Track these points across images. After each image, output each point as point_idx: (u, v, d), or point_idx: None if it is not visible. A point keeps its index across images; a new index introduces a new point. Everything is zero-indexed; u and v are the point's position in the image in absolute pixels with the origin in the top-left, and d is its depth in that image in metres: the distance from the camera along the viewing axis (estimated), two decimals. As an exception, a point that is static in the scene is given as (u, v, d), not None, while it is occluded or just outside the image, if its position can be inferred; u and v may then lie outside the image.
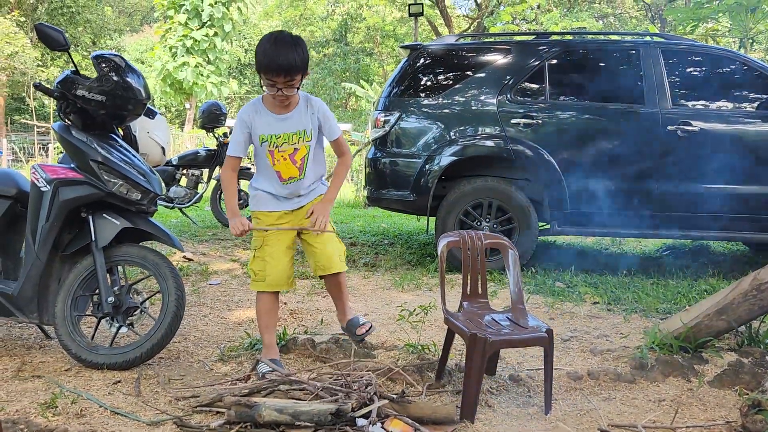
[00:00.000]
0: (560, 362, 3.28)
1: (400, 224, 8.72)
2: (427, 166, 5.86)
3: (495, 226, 5.72)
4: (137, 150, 3.52)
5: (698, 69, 6.26)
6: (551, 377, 2.65)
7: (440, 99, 6.02)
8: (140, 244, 3.26)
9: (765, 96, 5.96)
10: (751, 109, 6.02)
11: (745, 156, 5.53)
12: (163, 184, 3.42)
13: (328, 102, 30.78)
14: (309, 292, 4.72)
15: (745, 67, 5.91)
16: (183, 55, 24.11)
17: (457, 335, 2.80)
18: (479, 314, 2.81)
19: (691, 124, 5.58)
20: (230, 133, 7.94)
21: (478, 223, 5.72)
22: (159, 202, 7.11)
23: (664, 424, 2.46)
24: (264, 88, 2.72)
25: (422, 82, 6.26)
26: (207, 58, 24.73)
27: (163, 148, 4.59)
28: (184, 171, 7.71)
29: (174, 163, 7.67)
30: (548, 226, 5.88)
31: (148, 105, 3.35)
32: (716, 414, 2.65)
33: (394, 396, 2.46)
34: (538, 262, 5.89)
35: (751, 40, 12.94)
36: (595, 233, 6.08)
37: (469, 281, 2.88)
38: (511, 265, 2.85)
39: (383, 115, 5.99)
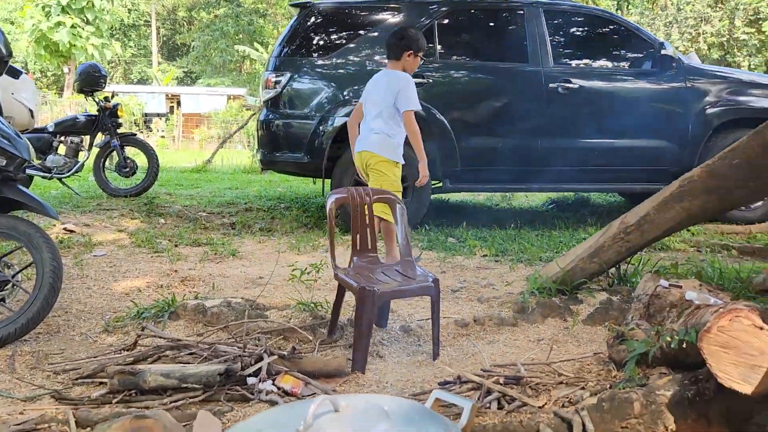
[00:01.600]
0: (449, 311, 3.41)
1: (297, 188, 8.64)
2: (320, 128, 5.80)
3: (390, 185, 5.79)
4: (0, 113, 3.23)
5: (578, 29, 6.57)
6: (438, 325, 2.75)
7: (333, 59, 5.95)
8: (10, 214, 3.03)
9: (638, 55, 6.36)
10: (626, 68, 6.41)
11: (620, 112, 5.90)
12: (32, 150, 3.15)
13: (221, 66, 29.65)
14: (201, 258, 4.59)
15: (621, 29, 6.26)
16: (58, 15, 22.28)
17: (348, 291, 2.83)
18: (369, 268, 2.85)
19: (571, 82, 5.86)
20: (112, 97, 7.51)
21: (374, 183, 5.76)
22: (35, 172, 6.61)
23: (541, 361, 2.63)
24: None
25: (314, 42, 6.15)
26: (85, 18, 22.99)
27: (30, 111, 4.26)
28: (62, 138, 7.15)
29: (50, 130, 7.11)
30: (441, 184, 6.03)
31: (10, 63, 3.06)
32: (588, 348, 2.86)
33: (285, 353, 2.47)
34: (432, 219, 6.04)
35: (627, 3, 13.68)
36: (486, 189, 6.32)
37: (358, 237, 2.90)
38: (399, 218, 2.91)
39: (274, 75, 5.85)
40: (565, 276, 3.37)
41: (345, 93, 5.89)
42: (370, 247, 2.93)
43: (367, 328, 2.54)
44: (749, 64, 18.35)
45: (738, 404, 2.07)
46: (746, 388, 1.78)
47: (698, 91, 6.00)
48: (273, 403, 2.11)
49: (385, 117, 3.97)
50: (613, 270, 3.56)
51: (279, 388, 2.28)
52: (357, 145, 4.11)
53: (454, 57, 6.14)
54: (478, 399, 2.16)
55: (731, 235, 5.64)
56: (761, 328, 1.77)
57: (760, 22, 18.13)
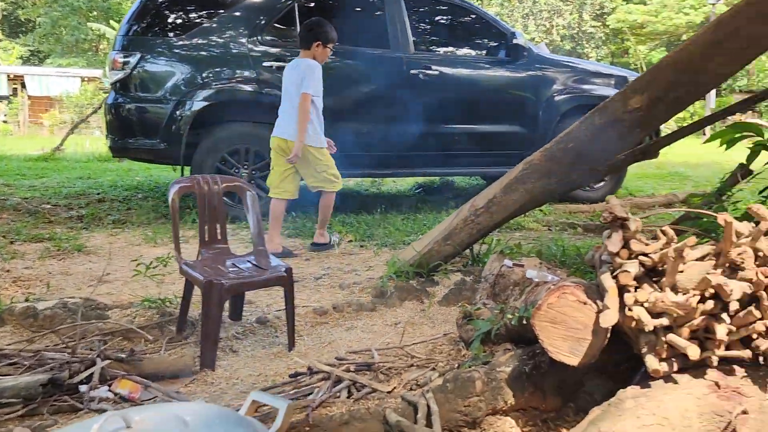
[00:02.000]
0: (310, 299, 3.37)
1: (158, 176, 8.18)
2: (177, 112, 5.49)
3: (254, 172, 5.62)
4: None
5: (437, 17, 6.73)
6: (293, 315, 2.69)
7: (188, 39, 5.63)
8: None
9: (493, 44, 6.64)
10: (482, 56, 6.67)
11: (477, 98, 6.14)
12: None
13: (74, 44, 27.32)
14: (41, 255, 4.18)
15: (478, 18, 6.48)
16: None
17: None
18: (219, 260, 2.72)
19: (431, 69, 5.99)
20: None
21: (237, 171, 5.57)
22: None
23: (395, 345, 2.65)
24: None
25: (167, 20, 5.78)
26: None
27: None
28: None
29: None
30: (308, 170, 5.95)
31: None
32: (442, 329, 2.93)
33: (123, 356, 2.29)
34: (300, 206, 5.95)
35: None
36: (354, 175, 6.32)
37: (206, 227, 2.76)
38: (250, 206, 2.80)
39: (122, 55, 5.44)
40: (421, 259, 3.44)
41: (204, 75, 5.61)
42: (219, 237, 2.80)
43: (215, 323, 2.42)
44: (596, 55, 19.89)
45: (570, 375, 2.20)
46: (573, 360, 1.89)
47: (547, 79, 6.38)
48: (102, 411, 1.94)
49: (297, 104, 4.28)
50: (469, 252, 3.69)
51: (116, 394, 2.11)
52: (274, 131, 4.48)
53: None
54: (328, 389, 2.12)
55: (577, 214, 6.08)
56: (585, 303, 1.88)
57: (605, 17, 19.68)
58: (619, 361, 2.19)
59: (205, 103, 5.51)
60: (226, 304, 2.74)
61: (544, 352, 2.09)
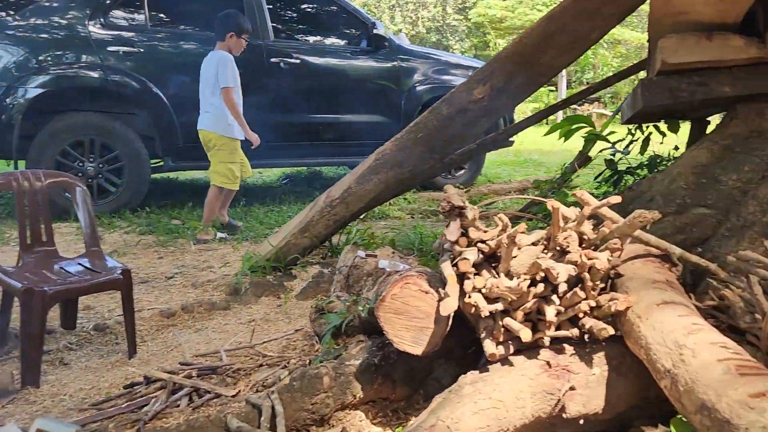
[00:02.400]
0: (158, 301, 3.16)
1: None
2: (8, 100, 4.94)
3: (101, 166, 5.21)
4: None
5: (298, 5, 6.58)
6: (133, 320, 2.49)
7: (22, 17, 5.08)
8: None
9: (355, 34, 6.62)
10: (344, 45, 6.63)
11: (340, 88, 6.09)
12: None
13: None
14: None
15: (339, 7, 6.42)
16: None
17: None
18: (45, 264, 2.46)
19: (293, 57, 5.86)
20: None
21: (81, 164, 5.12)
22: None
23: (245, 344, 2.54)
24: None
25: (-5, -5, 5.19)
26: None
27: None
28: None
29: None
30: (162, 163, 5.61)
31: None
32: (299, 324, 2.86)
33: None
34: (155, 200, 5.60)
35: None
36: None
37: (28, 229, 2.48)
38: (80, 203, 2.55)
39: (-65, 34, 4.79)
40: (278, 253, 3.34)
41: (40, 59, 5.09)
42: (44, 239, 2.53)
43: (37, 335, 2.17)
44: (460, 48, 20.63)
45: (419, 364, 2.22)
46: (417, 350, 1.90)
47: (409, 70, 6.47)
48: None
49: (213, 96, 4.38)
50: (327, 243, 3.64)
51: None
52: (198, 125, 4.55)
53: (168, 26, 5.70)
54: (166, 398, 1.98)
55: (439, 201, 6.24)
56: (427, 292, 1.89)
57: (467, 11, 20.46)
58: (467, 346, 2.24)
59: (42, 90, 5.01)
60: (55, 312, 2.48)
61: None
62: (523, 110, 14.20)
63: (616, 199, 1.85)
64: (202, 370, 2.20)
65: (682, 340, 1.52)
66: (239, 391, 2.09)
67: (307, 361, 2.32)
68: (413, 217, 5.48)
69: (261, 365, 2.33)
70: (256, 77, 5.68)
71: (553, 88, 19.38)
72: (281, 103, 5.81)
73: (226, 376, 2.21)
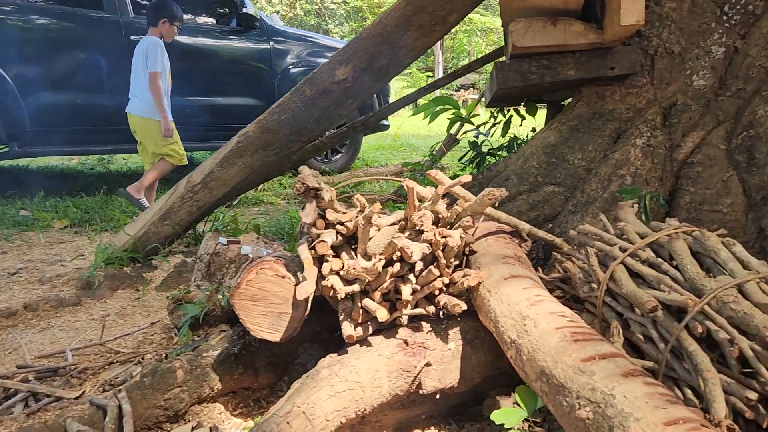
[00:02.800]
0: (-1, 300, 2.87)
1: None
2: None
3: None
4: None
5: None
6: (-40, 322, 2.23)
7: None
8: None
9: (224, 13, 6.34)
10: (212, 25, 6.34)
11: (208, 69, 5.83)
12: None
13: None
14: None
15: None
16: None
17: None
18: None
19: (155, 35, 5.51)
20: None
21: None
22: None
23: (95, 341, 2.37)
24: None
25: None
26: None
27: None
28: None
29: None
30: (7, 149, 5.10)
31: None
32: (158, 316, 2.70)
33: None
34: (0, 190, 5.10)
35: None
36: (64, 153, 5.57)
37: None
38: None
39: None
40: (137, 243, 3.14)
41: None
42: None
43: None
44: (339, 32, 20.55)
45: (283, 350, 2.18)
46: (275, 336, 1.85)
47: (282, 52, 6.32)
48: None
49: (141, 80, 4.39)
50: (192, 231, 3.47)
51: None
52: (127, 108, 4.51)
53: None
54: (-4, 406, 1.79)
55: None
56: (284, 277, 1.84)
57: (345, -6, 20.39)
58: (334, 329, 2.22)
59: None
60: None
61: (252, 330, 2.02)
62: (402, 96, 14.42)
63: (467, 178, 1.89)
64: (42, 372, 2.02)
65: (525, 311, 1.58)
66: (84, 392, 1.93)
67: (164, 355, 2.20)
68: (288, 203, 5.39)
69: (111, 363, 2.17)
70: (114, 55, 5.30)
71: (430, 74, 19.87)
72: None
73: (71, 377, 2.04)
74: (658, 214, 2.40)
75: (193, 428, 1.83)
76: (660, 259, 1.74)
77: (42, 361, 2.20)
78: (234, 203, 5.10)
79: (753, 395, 1.41)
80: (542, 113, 3.88)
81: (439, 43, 21.02)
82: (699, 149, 2.52)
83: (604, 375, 1.29)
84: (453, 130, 3.95)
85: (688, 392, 1.51)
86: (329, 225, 1.92)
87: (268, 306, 1.84)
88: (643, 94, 2.66)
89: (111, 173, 6.79)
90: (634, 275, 1.77)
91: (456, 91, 18.26)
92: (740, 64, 2.53)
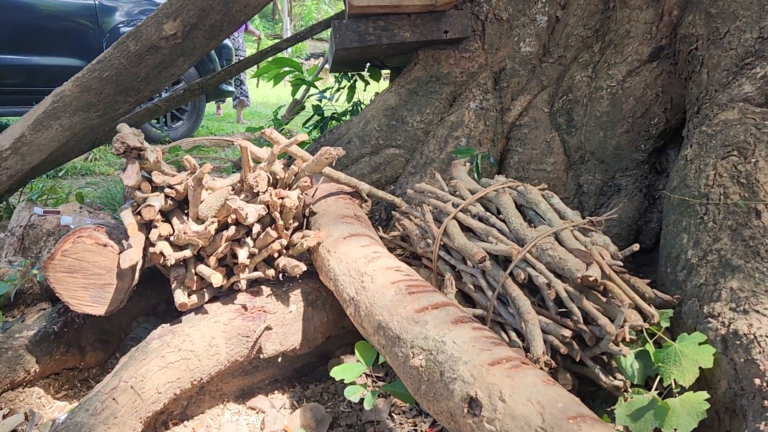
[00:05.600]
0: None
1: None
2: None
3: None
4: None
5: None
6: None
7: None
8: None
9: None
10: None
11: (26, 24, 5.19)
12: None
13: None
14: None
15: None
16: None
17: None
18: None
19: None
20: None
21: None
22: None
23: None
24: None
25: None
26: None
27: None
28: None
29: None
30: None
31: None
32: (-37, 300, 2.38)
33: None
34: None
35: None
36: None
37: None
38: None
39: None
40: (-67, 218, 2.73)
41: None
42: None
43: None
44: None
45: (112, 325, 2.02)
46: (99, 310, 1.70)
47: (110, 9, 5.80)
48: None
49: None
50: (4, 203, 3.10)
51: None
52: None
53: None
54: None
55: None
56: (105, 246, 1.69)
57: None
58: (172, 301, 2.09)
59: None
60: None
61: (75, 306, 1.85)
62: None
63: (303, 136, 1.85)
64: None
65: (363, 268, 1.59)
66: None
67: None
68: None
69: None
70: None
71: (278, 40, 19.39)
72: None
73: None
74: (491, 174, 2.53)
75: (4, 416, 1.64)
76: (489, 213, 1.84)
77: None
78: (60, 174, 4.64)
79: (567, 332, 1.54)
80: (387, 81, 3.93)
81: (287, 9, 20.54)
82: (526, 112, 2.69)
83: (435, 324, 1.33)
84: (297, 95, 3.87)
85: (513, 335, 1.62)
86: (157, 188, 1.79)
87: (88, 278, 1.69)
88: (476, 59, 2.77)
89: None
90: (466, 229, 1.85)
91: (306, 59, 18.03)
92: (561, 32, 2.72)
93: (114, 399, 1.45)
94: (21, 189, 3.12)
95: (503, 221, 1.79)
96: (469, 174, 2.24)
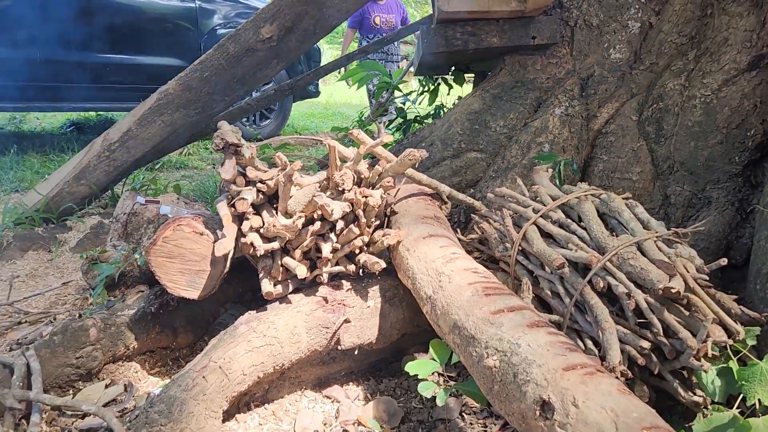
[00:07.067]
0: None
1: None
2: None
3: None
4: None
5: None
6: None
7: None
8: None
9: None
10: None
11: (132, 26, 5.56)
12: None
13: None
14: None
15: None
16: None
17: None
18: None
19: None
20: None
21: None
22: None
23: (2, 302, 2.26)
24: None
25: None
26: None
27: None
28: None
29: None
30: None
31: None
32: (72, 277, 2.61)
33: None
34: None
35: None
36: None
37: None
38: None
39: None
40: (50, 203, 2.99)
41: None
42: None
43: None
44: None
45: (203, 309, 2.16)
46: (193, 294, 1.82)
47: (209, 11, 6.11)
48: None
49: None
50: (110, 192, 3.35)
51: None
52: None
53: None
54: None
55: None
56: (202, 234, 1.81)
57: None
58: (257, 290, 2.21)
59: None
60: None
61: (171, 289, 1.99)
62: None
63: (388, 137, 1.91)
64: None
65: (441, 268, 1.63)
66: (-14, 352, 1.85)
67: (77, 315, 2.13)
68: (214, 167, 5.27)
69: (20, 323, 2.09)
70: (33, 9, 4.97)
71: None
72: (62, 39, 5.16)
73: (-27, 339, 1.95)
74: (573, 182, 2.51)
75: (106, 386, 1.80)
76: (569, 220, 1.83)
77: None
78: (157, 166, 4.94)
79: (646, 344, 1.52)
80: (470, 85, 3.95)
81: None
82: (613, 120, 2.64)
83: (511, 326, 1.35)
84: (381, 98, 3.96)
85: (589, 343, 1.61)
86: (250, 183, 1.90)
87: (185, 263, 1.82)
88: (563, 65, 2.74)
89: (23, 133, 6.42)
90: (546, 235, 1.85)
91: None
92: (654, 39, 2.65)
93: (204, 377, 1.56)
94: (124, 179, 3.36)
95: (584, 229, 1.78)
96: (551, 180, 2.23)
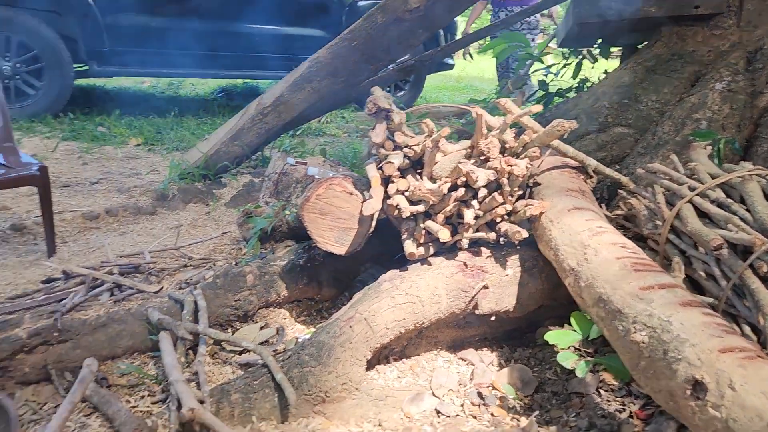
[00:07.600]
0: (82, 203, 3.07)
1: None
2: None
3: (18, 65, 4.88)
4: None
5: None
6: (51, 218, 2.42)
7: None
8: None
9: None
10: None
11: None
12: None
13: None
14: None
15: None
16: None
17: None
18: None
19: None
20: None
21: (-6, 62, 4.78)
22: None
23: (170, 246, 2.53)
24: None
25: None
26: None
27: None
28: None
29: None
30: (86, 67, 5.31)
31: None
32: (227, 229, 2.85)
33: None
34: (79, 106, 5.33)
35: None
36: (141, 73, 5.77)
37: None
38: (-9, 97, 2.40)
39: None
40: (208, 160, 3.28)
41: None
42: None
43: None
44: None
45: (345, 266, 2.28)
46: (340, 249, 1.94)
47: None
48: None
49: None
50: (259, 153, 3.59)
51: None
52: None
53: None
54: (84, 292, 1.96)
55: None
56: (352, 194, 1.91)
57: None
58: (395, 252, 2.30)
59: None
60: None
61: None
62: (467, 36, 14.07)
63: (537, 108, 1.89)
64: (125, 267, 2.19)
65: (587, 241, 1.61)
66: (162, 287, 2.09)
67: (234, 262, 2.34)
68: (350, 135, 5.45)
69: (186, 266, 2.33)
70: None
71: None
72: (214, 10, 5.54)
73: (150, 275, 2.21)
74: (734, 162, 2.34)
75: (261, 327, 1.97)
76: (730, 200, 1.73)
77: (123, 259, 2.38)
78: (298, 132, 5.20)
79: (812, 336, 1.41)
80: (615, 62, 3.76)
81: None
82: (783, 97, 2.42)
83: (662, 303, 1.32)
84: (522, 70, 3.88)
85: (747, 329, 1.53)
86: (397, 147, 1.97)
87: (334, 220, 1.93)
88: (728, 37, 2.54)
89: (180, 97, 6.99)
90: (702, 215, 1.76)
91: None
92: (839, 8, 2.39)
93: (350, 327, 1.66)
94: (272, 142, 3.58)
95: (747, 211, 1.67)
96: (709, 159, 2.10)
